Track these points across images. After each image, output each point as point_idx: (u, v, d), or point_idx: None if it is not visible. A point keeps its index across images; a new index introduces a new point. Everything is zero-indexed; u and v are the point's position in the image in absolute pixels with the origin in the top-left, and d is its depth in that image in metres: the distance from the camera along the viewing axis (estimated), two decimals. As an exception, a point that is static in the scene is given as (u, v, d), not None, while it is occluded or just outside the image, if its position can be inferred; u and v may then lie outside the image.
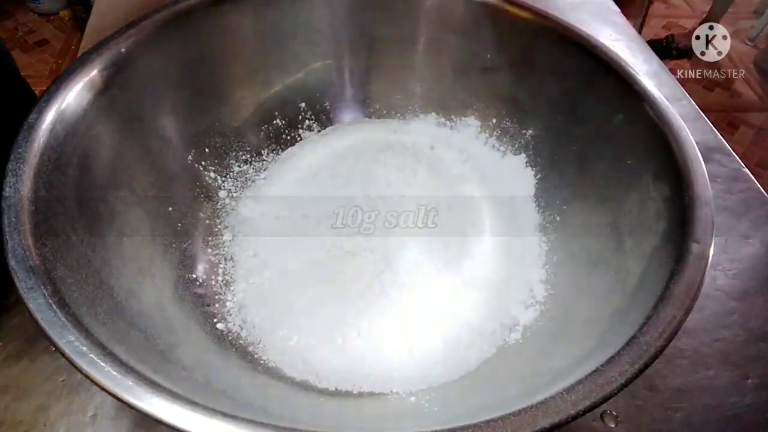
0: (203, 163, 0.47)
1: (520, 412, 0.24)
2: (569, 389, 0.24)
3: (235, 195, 0.49)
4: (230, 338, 0.40)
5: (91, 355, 0.24)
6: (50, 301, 0.26)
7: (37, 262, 0.27)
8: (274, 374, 0.38)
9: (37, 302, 0.25)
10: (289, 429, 0.23)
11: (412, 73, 0.54)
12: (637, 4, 1.44)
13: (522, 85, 0.49)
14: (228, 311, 0.41)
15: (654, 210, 0.35)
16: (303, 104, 0.54)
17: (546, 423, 0.23)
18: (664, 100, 0.38)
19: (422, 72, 0.54)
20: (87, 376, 0.24)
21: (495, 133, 0.53)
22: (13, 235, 0.28)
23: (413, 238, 0.46)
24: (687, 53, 1.78)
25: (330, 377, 0.38)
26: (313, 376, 0.38)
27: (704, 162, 0.34)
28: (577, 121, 0.45)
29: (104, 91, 0.38)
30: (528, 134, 0.50)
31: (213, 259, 0.44)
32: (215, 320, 0.40)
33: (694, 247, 0.30)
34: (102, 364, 0.24)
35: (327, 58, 0.52)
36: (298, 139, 0.54)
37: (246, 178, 0.50)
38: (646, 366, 0.25)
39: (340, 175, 0.50)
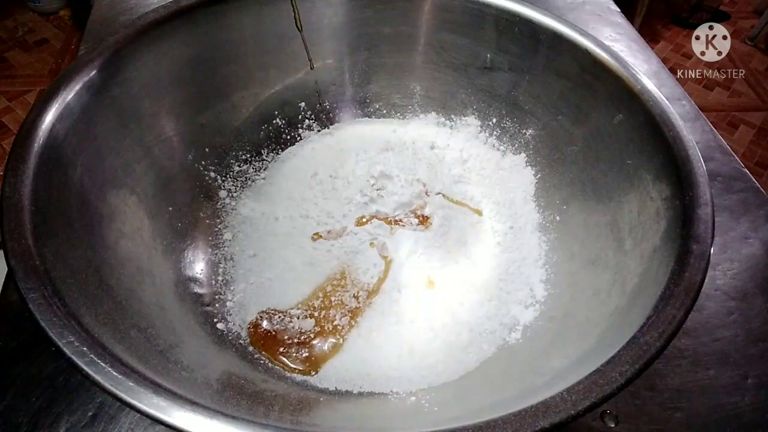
0: (203, 163, 0.47)
1: (520, 412, 0.24)
2: (569, 389, 0.24)
3: (235, 195, 0.49)
4: (230, 338, 0.40)
5: (91, 355, 0.24)
6: (50, 301, 0.26)
7: (37, 262, 0.27)
8: (274, 374, 0.38)
9: (37, 302, 0.25)
10: (289, 429, 0.23)
11: (412, 73, 0.54)
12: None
13: (522, 85, 0.49)
14: (228, 311, 0.41)
15: (654, 210, 0.35)
16: (303, 104, 0.54)
17: (546, 423, 0.23)
18: (664, 100, 0.38)
19: (422, 72, 0.54)
20: (87, 377, 0.24)
21: (495, 132, 0.53)
22: (13, 235, 0.28)
23: (413, 238, 0.46)
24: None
25: (330, 377, 0.38)
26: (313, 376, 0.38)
27: (704, 162, 0.34)
28: (577, 121, 0.45)
29: (104, 91, 0.38)
30: (528, 134, 0.50)
31: (213, 259, 0.44)
32: (215, 320, 0.40)
33: (694, 247, 0.30)
34: (102, 364, 0.24)
35: (327, 58, 0.52)
36: (298, 139, 0.54)
37: (246, 178, 0.50)
38: (646, 366, 0.25)
39: (340, 175, 0.50)
